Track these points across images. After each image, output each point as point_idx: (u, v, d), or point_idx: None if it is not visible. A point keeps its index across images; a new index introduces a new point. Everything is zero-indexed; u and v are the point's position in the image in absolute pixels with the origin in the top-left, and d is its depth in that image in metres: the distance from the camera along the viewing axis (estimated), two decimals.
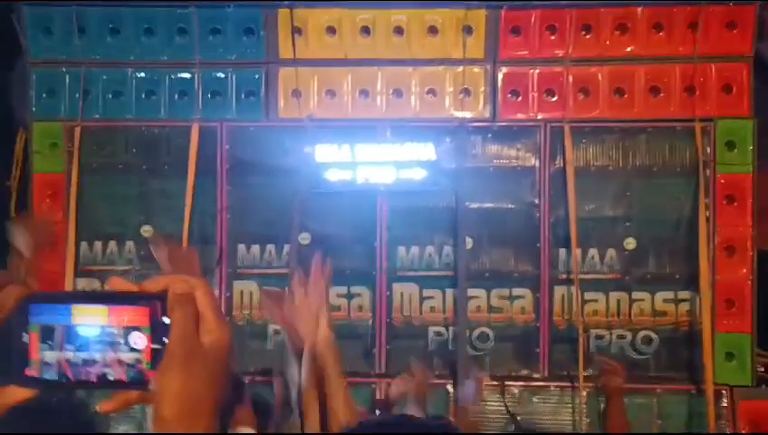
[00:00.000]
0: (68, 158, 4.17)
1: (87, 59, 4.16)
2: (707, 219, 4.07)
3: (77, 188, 4.17)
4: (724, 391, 4.04)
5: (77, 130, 4.17)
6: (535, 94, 4.16)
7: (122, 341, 0.72)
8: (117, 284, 0.76)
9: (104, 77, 4.17)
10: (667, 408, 4.06)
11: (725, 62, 4.09)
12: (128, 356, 0.72)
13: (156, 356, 0.70)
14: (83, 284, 4.18)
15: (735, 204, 4.11)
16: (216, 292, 4.22)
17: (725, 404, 4.05)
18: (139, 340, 0.72)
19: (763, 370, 5.45)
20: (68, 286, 4.08)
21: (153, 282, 0.73)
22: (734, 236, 4.10)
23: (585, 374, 4.07)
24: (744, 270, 4.11)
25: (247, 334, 4.25)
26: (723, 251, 4.10)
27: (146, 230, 4.24)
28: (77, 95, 4.16)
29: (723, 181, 4.09)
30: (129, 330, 0.72)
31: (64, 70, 4.18)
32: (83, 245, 4.24)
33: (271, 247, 4.28)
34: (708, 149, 4.09)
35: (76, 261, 4.21)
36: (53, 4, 4.16)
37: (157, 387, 0.68)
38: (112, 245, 4.24)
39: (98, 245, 4.25)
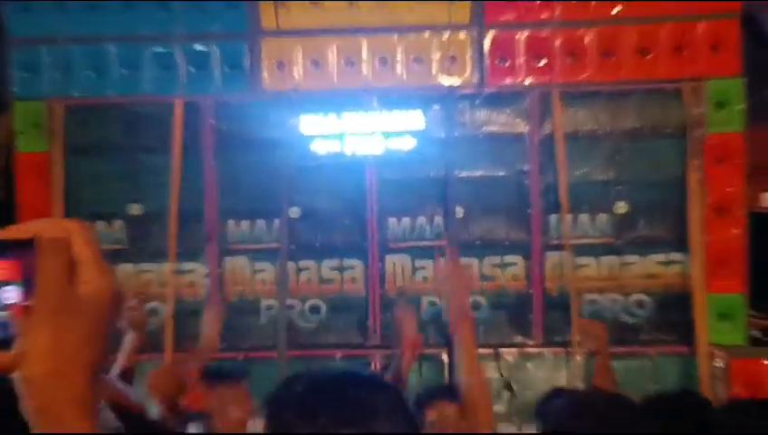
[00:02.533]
0: (51, 137, 4.10)
1: (67, 35, 4.09)
2: (698, 181, 4.04)
3: (62, 167, 4.12)
4: (717, 352, 4.06)
5: (59, 109, 4.11)
6: (523, 59, 4.11)
7: None
8: None
9: (85, 54, 4.10)
10: (662, 370, 4.07)
11: (713, 20, 4.05)
12: None
13: (28, 312, 0.64)
14: None
15: (726, 164, 4.09)
16: (209, 269, 4.21)
17: (719, 364, 4.06)
18: (10, 294, 0.65)
19: (760, 334, 5.49)
20: None
21: (24, 227, 0.64)
22: (725, 196, 4.09)
23: (578, 340, 4.07)
24: (735, 231, 4.10)
25: (240, 311, 4.23)
26: (713, 212, 4.09)
27: (134, 208, 4.19)
28: (58, 73, 4.09)
29: (713, 142, 4.07)
30: None
31: (44, 47, 4.10)
32: None
33: (261, 222, 4.25)
34: (697, 110, 4.06)
35: None
36: None
37: (22, 343, 0.61)
38: (101, 224, 4.19)
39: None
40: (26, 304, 0.62)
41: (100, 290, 0.63)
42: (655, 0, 4.05)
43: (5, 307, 0.64)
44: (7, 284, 0.65)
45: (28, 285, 0.64)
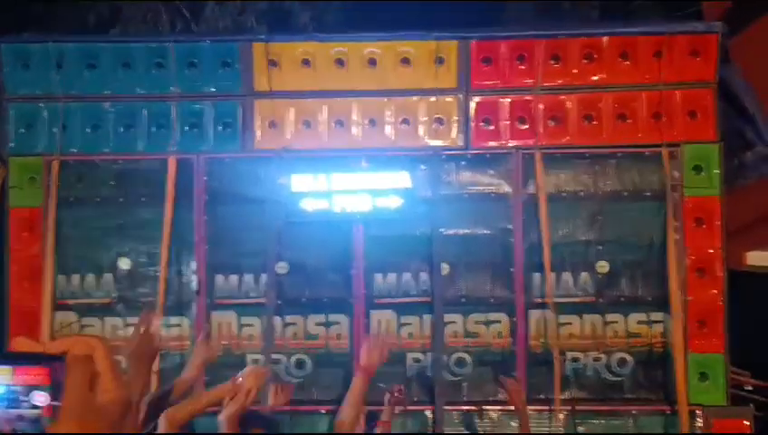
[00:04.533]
0: (46, 192, 4.19)
1: (64, 94, 4.21)
2: (676, 242, 4.15)
3: (54, 222, 4.19)
4: (698, 411, 4.10)
5: (55, 165, 4.21)
6: (507, 122, 4.25)
7: (25, 398, 0.79)
8: (21, 344, 0.80)
9: (82, 111, 4.22)
10: (643, 429, 4.11)
11: (690, 89, 4.21)
12: (29, 413, 0.78)
13: (55, 413, 0.76)
14: (61, 317, 4.19)
15: (704, 226, 4.20)
16: (195, 323, 4.25)
17: (700, 423, 4.10)
18: (40, 398, 0.79)
19: (750, 389, 5.52)
20: (45, 321, 4.09)
21: (55, 343, 0.78)
22: (704, 257, 4.19)
23: (561, 397, 4.12)
24: (715, 291, 4.19)
25: (226, 365, 4.25)
26: (693, 273, 4.19)
27: (123, 262, 4.26)
28: (55, 130, 4.20)
29: (691, 204, 4.19)
30: (31, 388, 0.79)
31: (42, 105, 4.23)
32: (61, 278, 4.25)
33: (249, 277, 4.31)
34: (676, 173, 4.19)
35: (54, 295, 4.21)
36: (31, 40, 4.22)
37: None
38: (90, 278, 4.26)
39: (75, 278, 4.26)
40: (54, 404, 0.76)
41: (117, 398, 0.78)
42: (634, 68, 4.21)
43: (37, 408, 0.79)
44: (39, 388, 0.79)
45: (56, 389, 0.78)
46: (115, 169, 4.27)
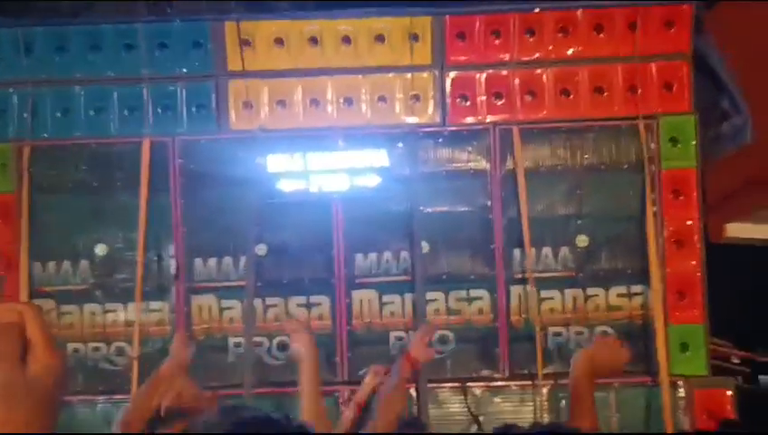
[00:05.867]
0: (18, 178, 4.12)
1: (34, 78, 4.14)
2: (654, 214, 4.16)
3: (28, 209, 4.13)
4: (679, 382, 4.12)
5: (26, 150, 4.14)
6: (483, 98, 4.23)
7: None
8: None
9: (52, 95, 4.15)
10: (625, 401, 4.11)
11: (665, 61, 4.21)
12: None
13: None
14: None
15: (682, 198, 4.21)
16: (175, 307, 4.21)
17: (682, 395, 4.12)
18: None
19: (738, 362, 5.57)
20: None
21: None
22: (682, 229, 4.20)
23: (544, 372, 4.12)
24: (694, 262, 4.20)
25: (207, 349, 4.22)
26: (672, 244, 4.20)
27: (100, 248, 4.21)
28: (25, 115, 4.13)
29: (668, 176, 4.19)
30: None
31: (11, 90, 4.15)
32: (37, 265, 4.19)
33: (228, 260, 4.27)
34: (653, 146, 4.19)
35: (30, 282, 4.15)
36: None
37: None
38: (66, 264, 4.20)
39: (51, 265, 4.20)
40: None
41: (49, 368, 0.71)
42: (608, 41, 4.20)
43: None
44: None
45: None
46: (88, 154, 4.20)
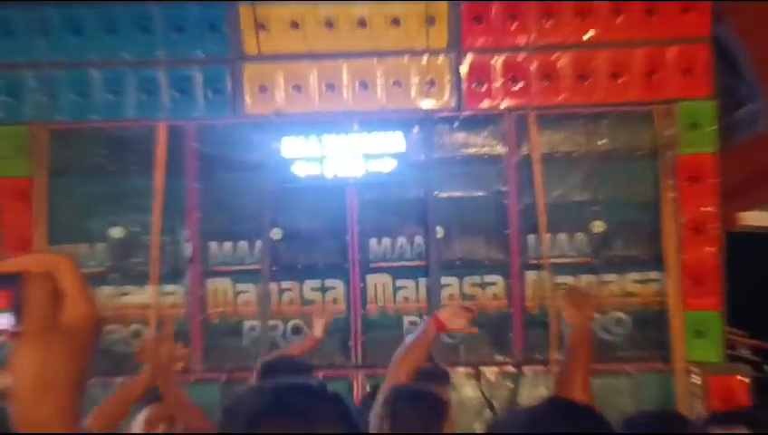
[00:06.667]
0: (34, 161, 4.14)
1: (49, 60, 4.14)
2: (671, 200, 4.13)
3: (44, 192, 4.14)
4: (694, 369, 4.11)
5: (43, 133, 4.15)
6: (499, 82, 4.20)
7: None
8: None
9: (68, 78, 4.15)
10: (640, 387, 4.11)
11: (684, 44, 4.16)
12: None
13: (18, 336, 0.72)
14: None
15: (699, 184, 4.17)
16: (191, 290, 4.23)
17: (697, 381, 4.11)
18: (2, 321, 0.73)
19: (749, 353, 5.54)
20: None
21: (12, 263, 0.72)
22: (699, 215, 4.17)
23: (557, 358, 4.11)
24: (711, 249, 4.17)
25: (222, 332, 4.25)
26: (689, 231, 4.16)
27: (116, 231, 4.22)
28: (41, 97, 4.13)
29: (686, 162, 4.16)
30: None
31: (27, 72, 4.15)
32: (53, 249, 4.21)
33: (243, 244, 4.28)
34: (670, 131, 4.15)
35: None
36: (13, 6, 4.13)
37: (11, 364, 0.68)
38: (83, 247, 4.22)
39: (67, 248, 4.22)
40: (16, 329, 0.70)
41: (83, 318, 0.71)
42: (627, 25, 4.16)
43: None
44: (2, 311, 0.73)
45: (18, 313, 0.71)
46: (104, 137, 4.21)
